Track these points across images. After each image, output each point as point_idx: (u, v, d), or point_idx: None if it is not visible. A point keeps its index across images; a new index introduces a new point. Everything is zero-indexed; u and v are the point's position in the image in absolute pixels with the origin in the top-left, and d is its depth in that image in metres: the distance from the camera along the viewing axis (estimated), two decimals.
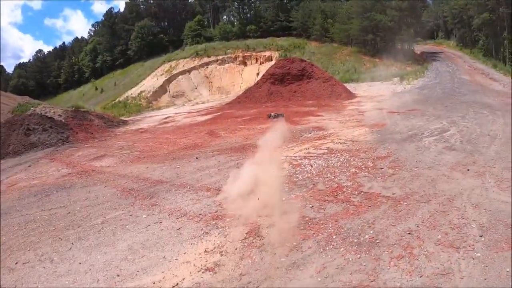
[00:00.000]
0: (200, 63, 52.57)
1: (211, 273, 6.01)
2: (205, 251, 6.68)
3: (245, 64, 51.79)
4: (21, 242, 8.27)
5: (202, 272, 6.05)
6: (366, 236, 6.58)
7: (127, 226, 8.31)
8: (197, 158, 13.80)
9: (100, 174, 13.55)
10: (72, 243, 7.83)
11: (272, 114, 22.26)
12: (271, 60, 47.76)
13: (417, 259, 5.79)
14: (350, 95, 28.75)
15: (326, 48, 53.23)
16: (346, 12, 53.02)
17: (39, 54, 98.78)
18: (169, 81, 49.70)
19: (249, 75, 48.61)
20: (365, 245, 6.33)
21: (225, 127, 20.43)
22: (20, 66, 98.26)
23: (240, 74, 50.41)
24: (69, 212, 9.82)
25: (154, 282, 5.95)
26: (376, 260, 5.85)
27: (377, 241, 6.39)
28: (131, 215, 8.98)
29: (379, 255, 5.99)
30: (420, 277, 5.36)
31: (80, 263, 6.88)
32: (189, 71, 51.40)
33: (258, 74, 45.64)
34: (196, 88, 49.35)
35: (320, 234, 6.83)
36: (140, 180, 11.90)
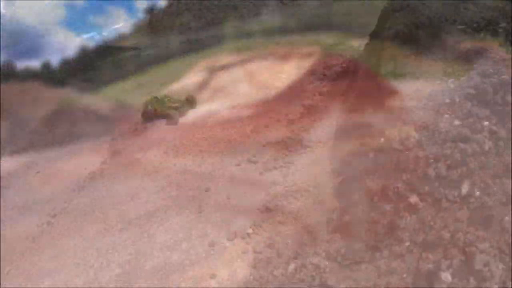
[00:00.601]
0: (240, 58, 52.63)
1: (262, 267, 5.93)
2: (255, 245, 6.60)
3: (286, 60, 51.46)
4: (66, 228, 8.44)
5: (253, 267, 5.98)
6: (420, 237, 6.39)
7: (172, 218, 8.33)
8: (242, 152, 13.71)
9: (143, 166, 13.72)
10: (117, 232, 7.91)
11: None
12: (313, 56, 47.31)
13: (472, 262, 5.59)
14: (395, 93, 28.11)
15: (369, 44, 52.37)
16: (390, 7, 52.05)
17: (82, 51, 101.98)
18: (209, 76, 50.00)
19: (290, 71, 48.29)
20: (419, 246, 6.15)
21: (268, 122, 20.29)
22: (64, 62, 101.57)
23: (281, 70, 50.18)
24: (113, 202, 9.97)
25: (204, 274, 5.92)
26: (431, 261, 5.69)
27: (432, 242, 6.20)
28: (176, 207, 9.01)
29: (434, 256, 5.83)
30: (472, 277, 5.21)
31: (126, 253, 6.93)
32: (229, 66, 51.53)
33: (299, 70, 45.32)
34: (237, 84, 49.49)
35: (373, 233, 6.67)
36: (186, 173, 11.96)
